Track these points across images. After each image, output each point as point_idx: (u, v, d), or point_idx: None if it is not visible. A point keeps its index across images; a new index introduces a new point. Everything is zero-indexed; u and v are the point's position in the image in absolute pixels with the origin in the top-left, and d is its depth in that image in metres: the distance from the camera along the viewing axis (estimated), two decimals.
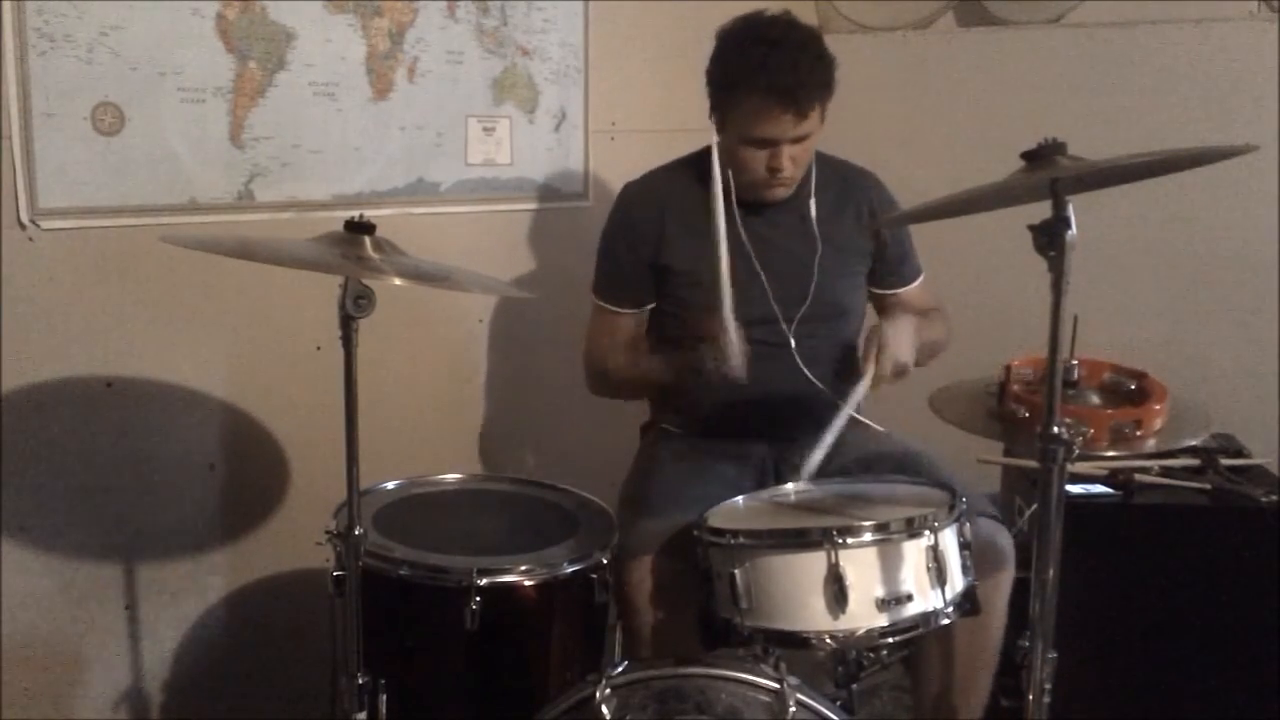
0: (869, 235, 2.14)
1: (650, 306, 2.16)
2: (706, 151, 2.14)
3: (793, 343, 2.06)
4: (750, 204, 2.07)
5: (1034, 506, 1.59)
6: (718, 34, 2.02)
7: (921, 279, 2.24)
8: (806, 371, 2.07)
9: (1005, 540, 1.90)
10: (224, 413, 2.23)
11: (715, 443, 2.10)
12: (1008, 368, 1.77)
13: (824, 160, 2.12)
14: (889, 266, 2.18)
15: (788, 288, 2.07)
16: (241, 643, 2.30)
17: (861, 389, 1.93)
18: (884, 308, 2.22)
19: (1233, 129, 2.51)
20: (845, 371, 2.13)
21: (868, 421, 2.15)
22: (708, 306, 1.96)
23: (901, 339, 1.95)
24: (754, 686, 1.50)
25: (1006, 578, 1.90)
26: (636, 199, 2.17)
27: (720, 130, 2.03)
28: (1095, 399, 1.75)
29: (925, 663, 2.00)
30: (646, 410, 2.30)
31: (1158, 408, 1.65)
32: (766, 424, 2.10)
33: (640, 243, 2.13)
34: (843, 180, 2.15)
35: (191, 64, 2.08)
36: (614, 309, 2.16)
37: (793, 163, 1.99)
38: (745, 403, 2.06)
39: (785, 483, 1.92)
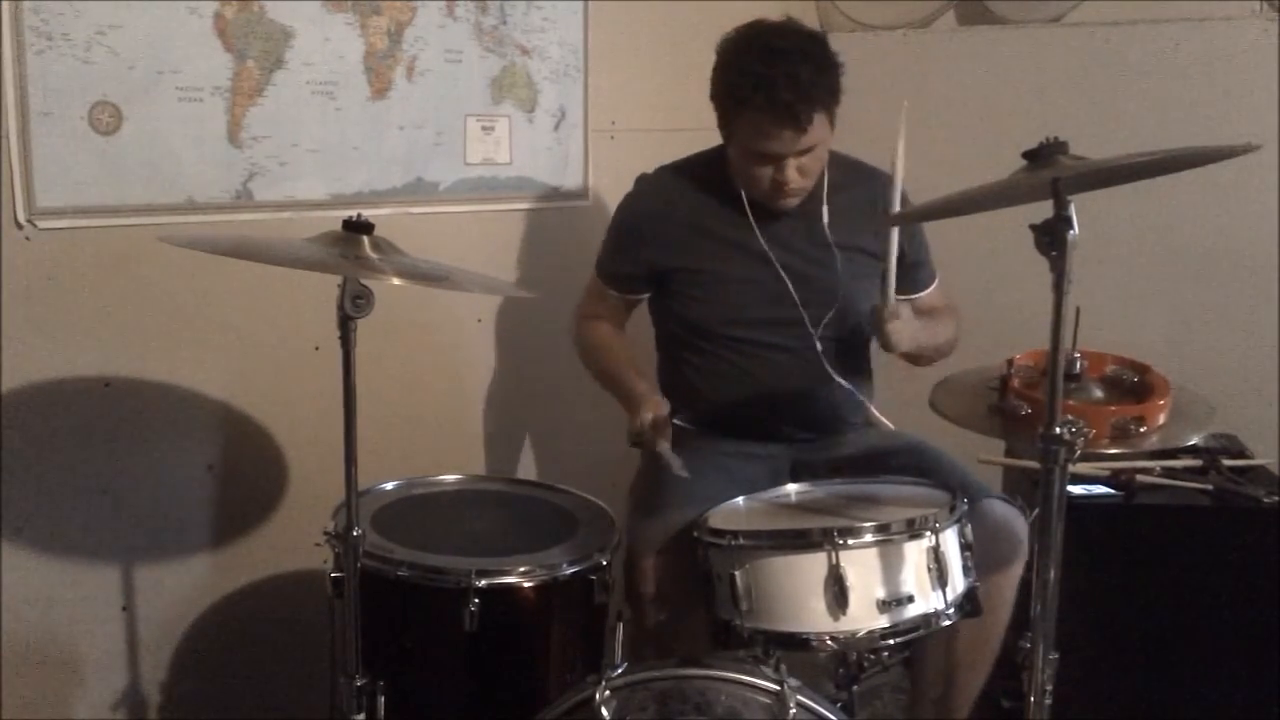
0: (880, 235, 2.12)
1: (642, 297, 2.20)
2: (720, 150, 2.13)
3: (818, 345, 2.05)
4: (765, 208, 2.06)
5: (1036, 510, 1.59)
6: (718, 47, 2.00)
7: (936, 283, 2.22)
8: (831, 372, 2.06)
9: (1020, 526, 1.87)
10: (222, 413, 2.22)
11: (730, 442, 2.09)
12: (1009, 362, 1.77)
13: (837, 161, 2.09)
14: (904, 271, 2.14)
15: (808, 292, 2.05)
16: (240, 643, 2.29)
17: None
18: None
19: (1233, 129, 2.51)
20: (861, 369, 2.13)
21: (881, 418, 2.14)
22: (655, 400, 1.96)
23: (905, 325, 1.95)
24: (754, 688, 1.50)
25: (1018, 564, 1.87)
26: (643, 199, 2.17)
27: (727, 142, 2.03)
28: (1098, 392, 1.74)
29: (925, 663, 1.99)
30: None
31: (1161, 403, 1.64)
32: (785, 424, 2.09)
33: (639, 242, 2.13)
34: (856, 181, 2.12)
35: (189, 63, 2.07)
36: (604, 286, 2.22)
37: (800, 174, 1.97)
38: (764, 403, 2.06)
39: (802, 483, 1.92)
